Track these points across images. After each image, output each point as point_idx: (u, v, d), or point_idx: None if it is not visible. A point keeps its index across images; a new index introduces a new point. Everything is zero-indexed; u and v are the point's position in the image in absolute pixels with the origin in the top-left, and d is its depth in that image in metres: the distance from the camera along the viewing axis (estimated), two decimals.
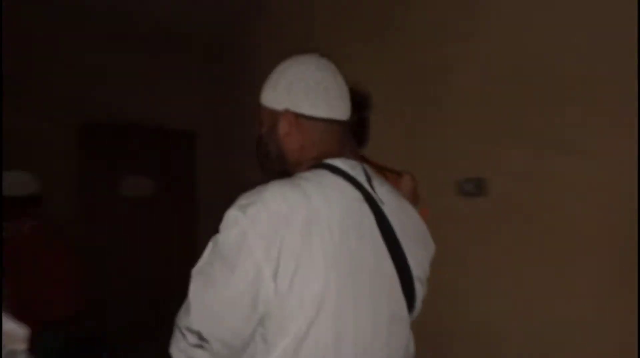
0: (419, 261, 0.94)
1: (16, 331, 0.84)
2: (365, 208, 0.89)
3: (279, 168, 0.97)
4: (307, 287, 0.79)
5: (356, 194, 0.89)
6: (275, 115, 0.97)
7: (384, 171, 1.47)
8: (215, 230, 0.83)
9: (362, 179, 0.92)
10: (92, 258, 3.34)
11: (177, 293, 0.98)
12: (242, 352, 0.84)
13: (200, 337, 0.80)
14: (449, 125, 1.91)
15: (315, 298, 0.79)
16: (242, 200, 0.82)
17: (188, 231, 3.98)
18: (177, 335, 0.81)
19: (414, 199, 1.46)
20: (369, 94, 1.56)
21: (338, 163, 0.93)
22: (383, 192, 0.94)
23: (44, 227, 2.38)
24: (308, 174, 0.90)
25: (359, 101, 1.55)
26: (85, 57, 3.60)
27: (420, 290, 0.94)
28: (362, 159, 1.44)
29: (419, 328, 1.01)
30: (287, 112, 0.95)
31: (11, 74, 3.20)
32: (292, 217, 0.80)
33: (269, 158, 0.98)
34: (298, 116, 0.95)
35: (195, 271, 0.82)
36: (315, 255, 0.80)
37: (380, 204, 0.91)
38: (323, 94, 0.95)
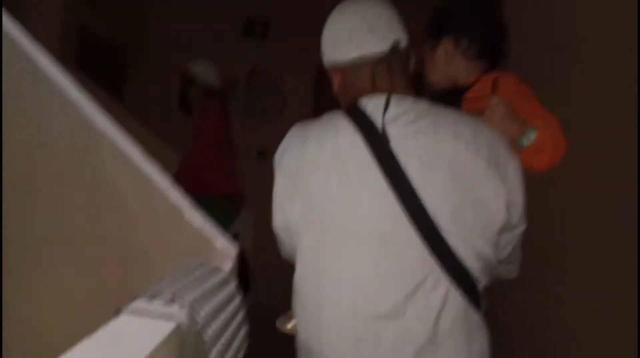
0: (452, 207, 0.87)
1: (227, 248, 0.84)
2: (359, 150, 0.90)
3: None
4: (290, 221, 0.95)
5: (352, 138, 0.91)
6: (329, 73, 1.06)
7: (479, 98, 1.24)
8: None
9: (377, 119, 0.92)
10: None
11: None
12: None
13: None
14: None
15: (296, 231, 0.95)
16: None
17: None
18: None
19: (509, 127, 1.06)
20: (505, 23, 1.37)
21: (361, 102, 0.95)
22: (408, 132, 0.90)
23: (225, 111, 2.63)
24: (321, 119, 1.00)
25: (491, 29, 1.34)
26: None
27: (464, 243, 0.87)
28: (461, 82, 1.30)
29: None
30: (328, 66, 1.04)
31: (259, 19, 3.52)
32: (286, 160, 0.98)
33: None
34: (335, 66, 1.02)
35: None
36: (297, 193, 0.93)
37: (389, 145, 0.89)
38: (347, 37, 0.98)
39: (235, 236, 2.79)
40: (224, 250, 0.83)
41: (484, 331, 0.93)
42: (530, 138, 1.08)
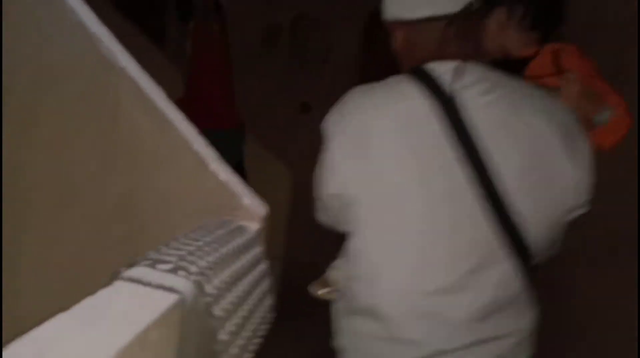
0: (525, 185, 0.83)
1: (255, 207, 0.75)
2: (428, 118, 0.85)
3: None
4: (347, 187, 0.89)
5: (420, 105, 0.85)
6: (388, 28, 0.96)
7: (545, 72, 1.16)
8: None
9: (448, 85, 0.85)
10: None
11: None
12: None
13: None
14: None
15: (351, 198, 0.89)
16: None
17: None
18: None
19: (585, 105, 1.05)
20: None
21: (429, 66, 0.88)
22: (482, 102, 0.85)
23: (226, 32, 2.40)
24: (386, 82, 0.92)
25: None
26: None
27: (530, 223, 0.83)
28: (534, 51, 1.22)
29: None
30: (387, 22, 0.95)
31: None
32: (345, 124, 0.90)
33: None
34: (397, 23, 0.93)
35: None
36: (357, 160, 0.87)
37: (461, 114, 0.84)
38: None
39: (239, 165, 2.65)
40: (252, 208, 0.73)
41: (535, 307, 0.93)
42: (605, 116, 1.07)
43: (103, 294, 0.41)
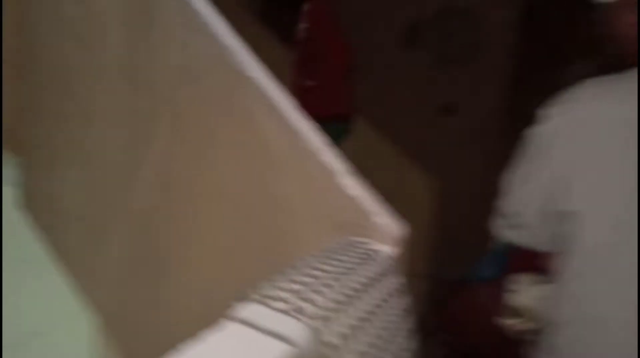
0: None
1: (391, 227, 0.64)
2: None
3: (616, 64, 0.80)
4: (577, 201, 0.76)
5: None
6: (618, 9, 0.83)
7: None
8: None
9: None
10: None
11: None
12: None
13: None
14: None
15: (577, 214, 0.76)
16: None
17: None
18: None
19: None
20: None
21: None
22: None
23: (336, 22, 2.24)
24: (619, 76, 0.79)
25: None
26: None
27: None
28: None
29: None
30: (614, 2, 0.82)
31: None
32: (577, 123, 0.78)
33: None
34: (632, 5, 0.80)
35: None
36: (593, 169, 0.76)
37: None
38: None
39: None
40: (387, 229, 0.63)
41: None
42: None
43: (205, 339, 0.35)
